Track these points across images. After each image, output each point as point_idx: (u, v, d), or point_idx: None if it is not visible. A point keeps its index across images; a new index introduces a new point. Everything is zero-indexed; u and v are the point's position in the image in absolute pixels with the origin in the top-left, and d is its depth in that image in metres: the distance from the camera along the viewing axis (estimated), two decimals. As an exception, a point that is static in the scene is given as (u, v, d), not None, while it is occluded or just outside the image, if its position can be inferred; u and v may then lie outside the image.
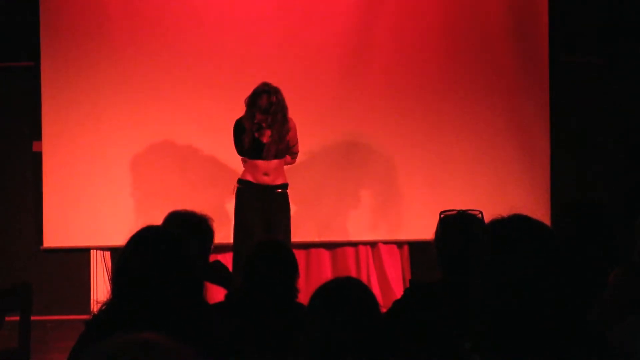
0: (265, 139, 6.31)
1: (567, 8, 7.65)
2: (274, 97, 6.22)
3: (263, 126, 6.25)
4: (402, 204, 7.50)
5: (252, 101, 6.25)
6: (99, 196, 7.24)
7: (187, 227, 3.73)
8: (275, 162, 6.36)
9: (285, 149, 6.39)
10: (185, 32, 7.31)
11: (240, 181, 6.42)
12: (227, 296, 3.74)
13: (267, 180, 6.35)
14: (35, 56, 7.27)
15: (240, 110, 6.35)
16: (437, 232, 3.41)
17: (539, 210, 7.02)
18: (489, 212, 2.51)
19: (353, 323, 2.23)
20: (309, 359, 2.22)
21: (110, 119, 7.26)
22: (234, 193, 6.42)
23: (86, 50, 7.24)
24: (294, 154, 6.59)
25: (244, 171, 6.43)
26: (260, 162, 6.33)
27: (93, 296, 7.15)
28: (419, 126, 7.51)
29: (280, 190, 6.41)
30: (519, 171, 7.55)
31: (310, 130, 6.92)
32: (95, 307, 2.80)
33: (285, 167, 6.49)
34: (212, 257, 4.15)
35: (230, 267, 6.21)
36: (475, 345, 2.17)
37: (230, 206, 6.57)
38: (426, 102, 7.51)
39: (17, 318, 4.22)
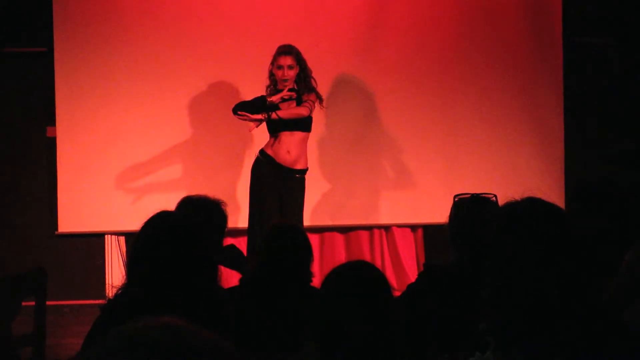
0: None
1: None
2: (298, 53, 6.18)
3: (294, 97, 6.13)
4: (416, 187, 7.48)
5: (274, 63, 6.17)
6: (113, 181, 7.25)
7: (201, 211, 3.75)
8: (298, 135, 6.16)
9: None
10: (200, 12, 7.27)
11: (262, 152, 6.20)
12: (241, 280, 3.75)
13: (288, 159, 6.13)
14: (49, 42, 7.27)
15: (256, 92, 6.28)
16: (451, 216, 3.41)
17: (553, 192, 7.00)
18: (503, 195, 2.51)
19: (365, 306, 2.23)
20: (321, 342, 2.23)
21: (124, 103, 7.25)
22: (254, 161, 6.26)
23: (99, 35, 7.24)
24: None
25: (268, 143, 6.21)
26: (284, 136, 6.12)
27: (108, 281, 7.17)
28: (433, 109, 7.48)
29: (299, 176, 6.21)
30: (533, 153, 7.52)
31: (323, 112, 6.87)
32: (110, 292, 2.81)
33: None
34: (226, 241, 4.16)
35: (245, 248, 6.21)
36: (489, 328, 2.18)
37: (244, 191, 6.51)
38: (439, 84, 7.48)
39: (33, 303, 4.26)
